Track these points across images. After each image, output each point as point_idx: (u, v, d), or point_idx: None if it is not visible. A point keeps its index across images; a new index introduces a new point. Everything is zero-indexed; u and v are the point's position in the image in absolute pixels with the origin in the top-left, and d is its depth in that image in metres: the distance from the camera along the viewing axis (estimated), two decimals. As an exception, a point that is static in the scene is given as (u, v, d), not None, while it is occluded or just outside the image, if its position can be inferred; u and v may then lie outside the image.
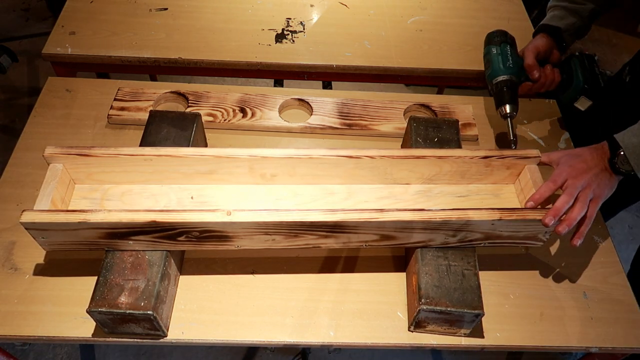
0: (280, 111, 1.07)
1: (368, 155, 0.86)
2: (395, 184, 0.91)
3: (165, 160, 0.83)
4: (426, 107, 1.10)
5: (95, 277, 0.74)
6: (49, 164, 0.81)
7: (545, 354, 1.69)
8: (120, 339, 0.77)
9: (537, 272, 0.88)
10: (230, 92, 1.09)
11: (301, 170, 0.87)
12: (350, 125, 1.05)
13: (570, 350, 0.84)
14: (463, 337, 0.80)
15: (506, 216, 0.77)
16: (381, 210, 0.76)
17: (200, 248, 0.79)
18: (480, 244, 0.82)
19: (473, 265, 0.79)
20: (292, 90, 1.13)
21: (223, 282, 0.83)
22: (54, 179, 0.80)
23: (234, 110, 1.05)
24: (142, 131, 0.92)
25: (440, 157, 0.86)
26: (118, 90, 1.07)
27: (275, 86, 1.72)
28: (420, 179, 0.90)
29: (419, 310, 0.74)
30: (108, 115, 1.03)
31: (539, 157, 0.87)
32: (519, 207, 0.89)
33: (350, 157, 0.85)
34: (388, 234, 0.78)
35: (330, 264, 0.86)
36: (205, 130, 1.00)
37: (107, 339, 0.77)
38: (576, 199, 0.78)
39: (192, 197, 0.86)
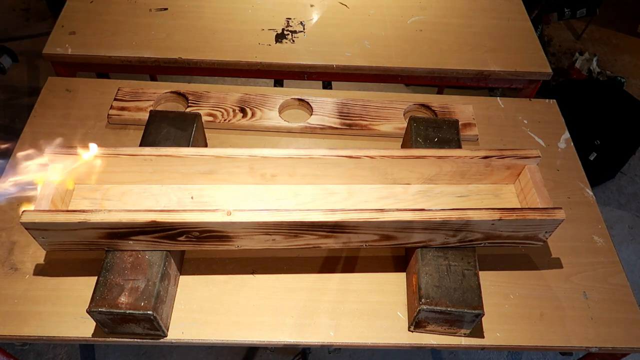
0: (280, 111, 1.07)
1: (368, 155, 0.86)
2: (395, 184, 0.91)
3: (165, 160, 0.83)
4: (426, 107, 1.10)
5: (95, 277, 0.74)
6: (49, 164, 0.81)
7: (545, 354, 1.69)
8: (120, 339, 0.77)
9: (537, 272, 0.88)
10: (230, 92, 1.09)
11: (301, 170, 0.87)
12: (350, 125, 1.05)
13: (571, 350, 0.84)
14: (463, 337, 0.80)
15: (506, 216, 0.77)
16: (381, 210, 0.76)
17: (201, 248, 0.79)
18: (480, 244, 0.81)
19: (473, 265, 0.79)
20: (292, 90, 1.13)
21: (223, 282, 0.83)
22: (54, 180, 0.80)
23: (234, 110, 1.05)
24: (142, 131, 0.92)
25: (440, 157, 0.86)
26: (118, 90, 1.07)
27: (275, 86, 1.72)
28: (420, 179, 0.90)
29: (419, 310, 0.74)
30: (108, 115, 1.03)
31: (539, 157, 0.87)
32: (519, 207, 0.89)
33: (351, 157, 0.85)
34: (388, 234, 0.78)
35: (330, 264, 0.86)
36: (205, 130, 1.00)
37: (107, 339, 0.77)
38: None
39: (192, 197, 0.86)
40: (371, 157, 0.86)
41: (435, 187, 0.91)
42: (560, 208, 0.79)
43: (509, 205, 0.90)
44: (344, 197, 0.89)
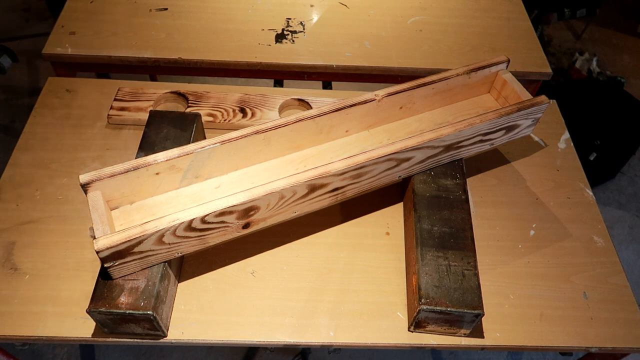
0: (280, 111, 1.07)
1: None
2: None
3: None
4: (426, 107, 1.09)
5: (95, 277, 0.74)
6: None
7: (545, 354, 1.69)
8: (120, 339, 0.77)
9: (537, 272, 0.88)
10: (230, 92, 1.09)
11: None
12: (350, 125, 1.05)
13: (571, 350, 0.84)
14: (463, 337, 0.80)
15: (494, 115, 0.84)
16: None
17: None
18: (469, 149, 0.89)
19: (473, 265, 0.79)
20: (292, 90, 1.13)
21: (223, 282, 0.83)
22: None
23: (234, 110, 1.05)
24: (142, 131, 0.92)
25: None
26: (118, 90, 1.07)
27: (275, 86, 1.72)
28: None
29: (419, 310, 0.74)
30: (108, 115, 1.03)
31: (508, 60, 0.98)
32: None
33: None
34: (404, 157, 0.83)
35: (331, 264, 0.86)
36: (205, 130, 1.00)
37: (107, 339, 0.77)
38: None
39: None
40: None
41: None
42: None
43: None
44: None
